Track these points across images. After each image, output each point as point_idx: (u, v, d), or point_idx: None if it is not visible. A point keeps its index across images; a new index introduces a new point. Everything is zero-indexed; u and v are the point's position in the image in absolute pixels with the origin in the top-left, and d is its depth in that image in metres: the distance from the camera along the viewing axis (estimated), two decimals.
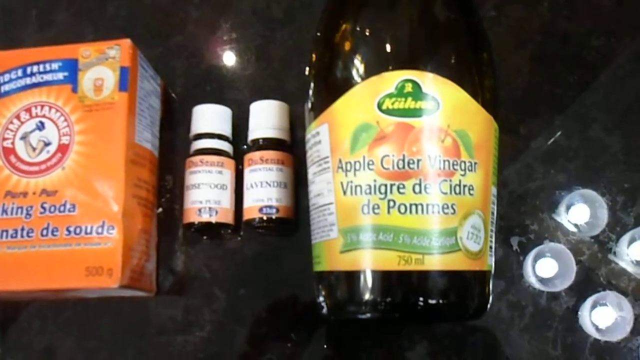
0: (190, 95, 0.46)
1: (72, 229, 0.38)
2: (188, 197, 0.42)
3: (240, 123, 0.44)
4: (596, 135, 0.43)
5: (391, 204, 0.31)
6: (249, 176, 0.42)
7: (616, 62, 0.44)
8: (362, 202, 0.32)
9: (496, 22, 0.46)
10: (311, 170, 0.35)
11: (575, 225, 0.42)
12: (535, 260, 0.41)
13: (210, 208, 0.41)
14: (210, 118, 0.43)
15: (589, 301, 0.40)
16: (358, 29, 0.35)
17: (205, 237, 0.44)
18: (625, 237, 0.41)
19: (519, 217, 0.42)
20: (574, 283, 0.41)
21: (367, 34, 0.34)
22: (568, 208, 0.42)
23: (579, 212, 0.42)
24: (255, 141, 0.43)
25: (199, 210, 0.41)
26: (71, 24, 0.49)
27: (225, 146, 0.43)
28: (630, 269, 0.41)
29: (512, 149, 0.43)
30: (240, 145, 0.44)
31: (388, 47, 0.33)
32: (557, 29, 0.45)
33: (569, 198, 0.42)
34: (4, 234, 0.38)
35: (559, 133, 0.43)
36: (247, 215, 0.42)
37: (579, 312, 0.40)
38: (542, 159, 0.43)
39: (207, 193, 0.41)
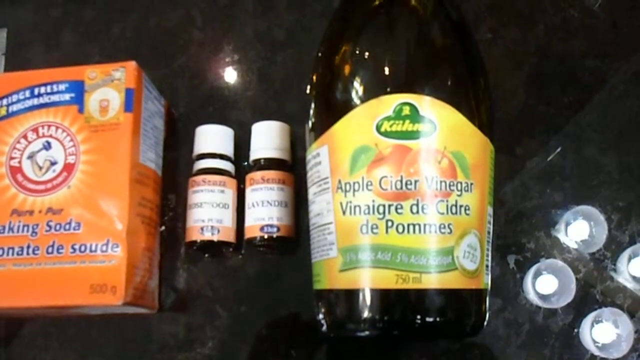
0: (193, 115, 0.47)
1: (77, 246, 0.38)
2: (190, 216, 0.43)
3: (242, 143, 0.45)
4: (591, 155, 0.44)
5: (389, 223, 0.32)
6: (250, 195, 0.42)
7: (610, 83, 0.45)
8: (361, 222, 0.33)
9: (492, 44, 0.46)
10: (311, 190, 0.36)
11: (576, 242, 0.42)
12: (535, 277, 0.41)
13: (212, 227, 0.42)
14: (212, 138, 0.44)
15: (589, 318, 0.40)
16: (357, 52, 0.36)
17: (207, 255, 0.44)
18: (625, 254, 0.41)
19: (516, 235, 0.43)
20: (570, 300, 0.41)
21: (366, 57, 0.35)
22: (567, 225, 0.42)
23: (579, 229, 0.42)
24: (257, 161, 0.43)
25: (201, 228, 0.42)
26: (77, 45, 0.50)
27: (228, 166, 0.44)
28: (630, 285, 0.41)
29: (509, 168, 0.43)
30: (242, 164, 0.45)
31: (386, 71, 0.34)
32: (552, 51, 0.46)
33: (569, 215, 0.43)
34: (10, 251, 0.39)
35: (559, 149, 0.44)
36: (248, 234, 0.42)
37: (577, 329, 0.41)
38: (537, 178, 0.44)
39: (209, 212, 0.42)
